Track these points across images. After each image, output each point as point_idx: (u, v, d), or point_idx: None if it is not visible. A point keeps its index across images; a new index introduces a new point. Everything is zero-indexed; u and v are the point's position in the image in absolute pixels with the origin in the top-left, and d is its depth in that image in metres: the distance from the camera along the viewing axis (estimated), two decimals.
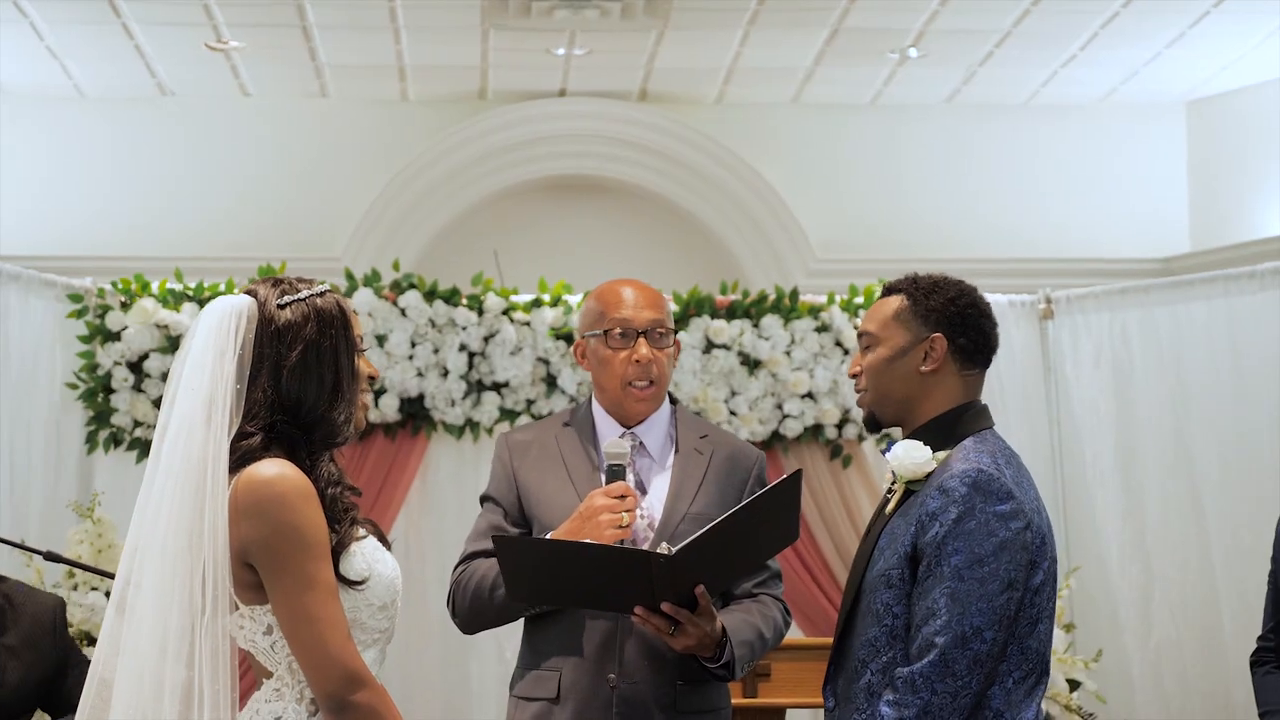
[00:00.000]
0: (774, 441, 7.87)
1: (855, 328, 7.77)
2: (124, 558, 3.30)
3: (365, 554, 3.32)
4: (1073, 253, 8.72)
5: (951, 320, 3.72)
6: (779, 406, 7.85)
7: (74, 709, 5.17)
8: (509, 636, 7.50)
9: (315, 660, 3.18)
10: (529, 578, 4.16)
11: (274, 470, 3.22)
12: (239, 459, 3.24)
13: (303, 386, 3.29)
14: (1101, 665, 7.21)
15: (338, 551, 3.26)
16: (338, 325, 3.34)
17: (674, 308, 7.78)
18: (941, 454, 3.63)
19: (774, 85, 8.59)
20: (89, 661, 5.31)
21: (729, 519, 3.96)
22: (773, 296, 7.91)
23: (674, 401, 4.54)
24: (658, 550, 4.00)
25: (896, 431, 3.80)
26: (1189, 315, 7.70)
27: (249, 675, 3.33)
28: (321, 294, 3.36)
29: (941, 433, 3.68)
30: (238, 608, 3.25)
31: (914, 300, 3.74)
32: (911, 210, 8.80)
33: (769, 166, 8.68)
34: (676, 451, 4.43)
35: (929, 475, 3.63)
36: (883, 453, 3.88)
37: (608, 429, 4.44)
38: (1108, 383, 7.83)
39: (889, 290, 3.81)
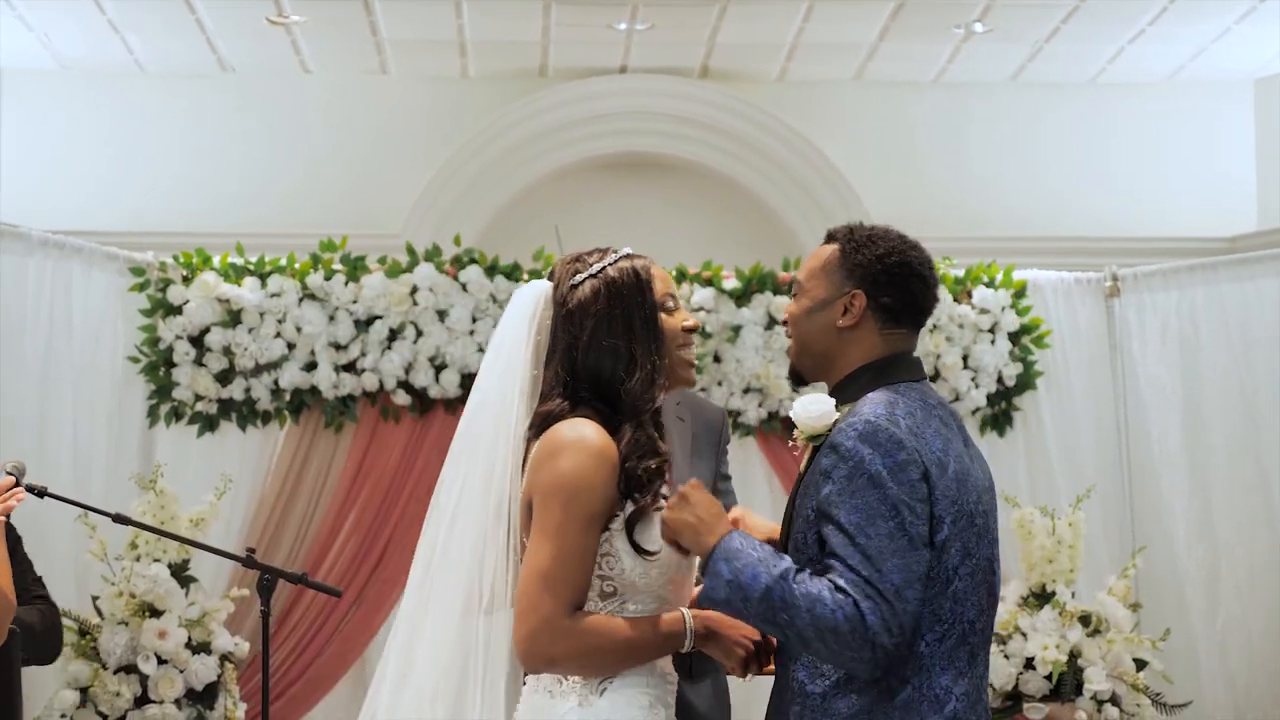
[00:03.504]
0: None
1: None
2: (425, 530, 3.46)
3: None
4: (1139, 231, 8.63)
5: (876, 278, 3.51)
6: None
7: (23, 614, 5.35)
8: None
9: (522, 612, 3.25)
10: None
11: (573, 427, 3.31)
12: (543, 421, 3.34)
13: (598, 361, 3.36)
14: (1168, 644, 7.14)
15: (635, 519, 3.30)
16: (630, 291, 3.40)
17: (735, 284, 7.73)
18: (845, 407, 3.45)
19: (837, 62, 8.53)
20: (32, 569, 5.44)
21: None
22: None
23: None
24: None
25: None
26: (1256, 292, 7.65)
27: None
28: (614, 262, 3.42)
29: (855, 388, 3.49)
30: None
31: (844, 252, 3.55)
32: (976, 188, 8.73)
33: (831, 144, 8.62)
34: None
35: (833, 429, 3.43)
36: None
37: None
38: (1174, 360, 7.76)
39: (829, 237, 3.62)
